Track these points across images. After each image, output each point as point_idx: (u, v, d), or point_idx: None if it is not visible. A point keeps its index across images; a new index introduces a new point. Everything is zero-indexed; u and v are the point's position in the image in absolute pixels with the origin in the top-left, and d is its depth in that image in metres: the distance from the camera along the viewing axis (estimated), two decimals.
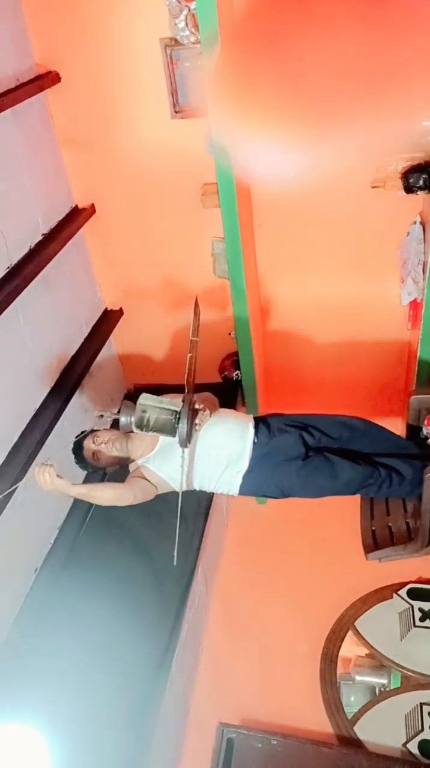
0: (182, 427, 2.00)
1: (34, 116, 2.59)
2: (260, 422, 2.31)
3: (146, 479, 2.18)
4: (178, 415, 2.03)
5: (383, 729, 2.43)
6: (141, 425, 2.04)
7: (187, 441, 2.02)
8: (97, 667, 2.25)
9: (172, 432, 2.03)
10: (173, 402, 2.07)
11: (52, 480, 1.98)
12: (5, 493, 2.13)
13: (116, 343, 3.44)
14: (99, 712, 2.14)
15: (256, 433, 2.25)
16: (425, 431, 2.46)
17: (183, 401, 2.06)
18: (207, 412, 2.12)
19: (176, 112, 2.57)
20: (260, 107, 0.32)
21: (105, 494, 2.12)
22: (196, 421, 2.07)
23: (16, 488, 2.17)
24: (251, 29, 0.32)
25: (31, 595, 2.56)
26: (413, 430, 2.52)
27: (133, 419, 2.04)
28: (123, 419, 2.09)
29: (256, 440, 2.23)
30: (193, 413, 2.07)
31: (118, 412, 2.14)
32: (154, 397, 2.10)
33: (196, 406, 2.08)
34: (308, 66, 0.30)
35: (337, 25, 0.29)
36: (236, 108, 0.33)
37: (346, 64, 0.29)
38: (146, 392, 2.14)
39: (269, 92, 0.31)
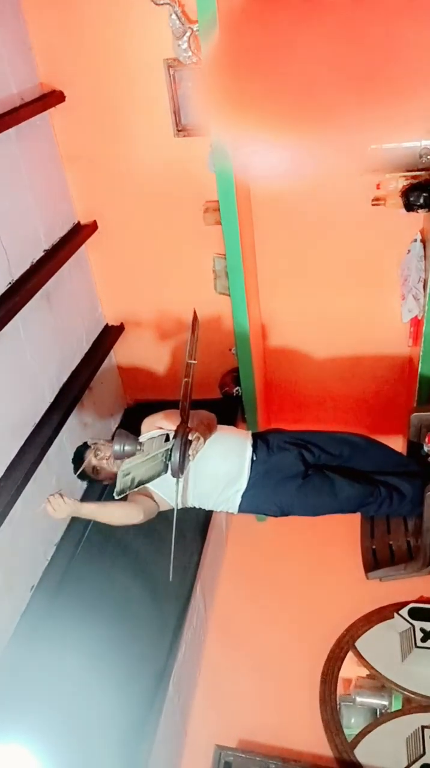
0: (174, 461, 1.98)
1: (38, 134, 2.62)
2: (259, 439, 2.30)
3: (149, 497, 2.16)
4: (169, 453, 2.01)
5: (384, 753, 2.38)
6: (124, 491, 1.98)
7: (179, 472, 2.01)
8: (93, 686, 2.22)
9: (164, 470, 2.02)
10: (164, 442, 2.05)
11: (67, 503, 1.98)
12: None
13: (117, 358, 3.44)
14: (94, 733, 2.10)
15: (254, 451, 2.23)
16: (426, 448, 2.45)
17: (176, 434, 2.04)
18: (201, 440, 2.08)
19: (179, 130, 2.60)
20: (253, 104, 0.32)
21: (115, 512, 2.11)
22: (190, 451, 2.04)
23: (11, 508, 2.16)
24: (244, 26, 0.32)
25: (28, 613, 2.53)
26: (414, 447, 2.51)
27: (120, 464, 1.97)
28: (116, 447, 2.07)
29: (254, 458, 2.22)
30: (187, 444, 2.04)
31: (111, 440, 2.13)
32: (139, 456, 2.03)
33: (190, 437, 2.05)
34: (303, 63, 0.30)
35: (332, 21, 0.29)
36: (230, 105, 0.33)
37: (341, 59, 0.29)
38: (145, 416, 2.10)
39: (263, 89, 0.31)
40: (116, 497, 2.01)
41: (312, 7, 0.30)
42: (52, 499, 1.98)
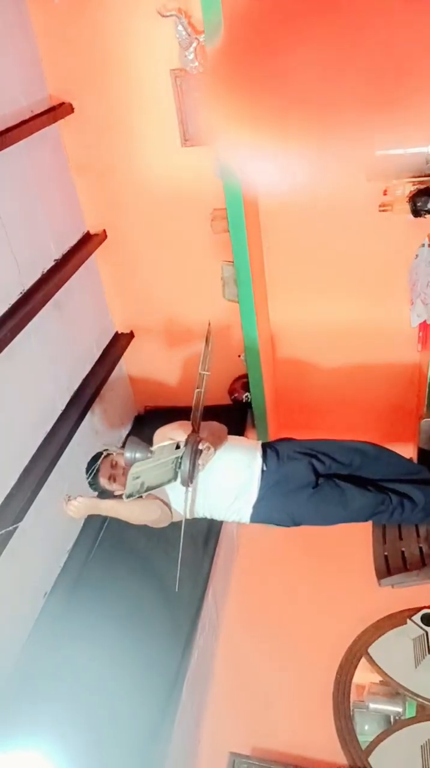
0: (184, 469, 1.99)
1: (47, 145, 2.65)
2: (269, 449, 2.30)
3: (165, 504, 2.18)
4: (179, 460, 2.02)
5: (399, 760, 2.37)
6: (132, 495, 1.98)
7: (189, 481, 2.02)
8: (107, 693, 2.23)
9: (173, 478, 2.03)
10: (174, 450, 2.06)
11: (84, 503, 2.01)
12: (6, 531, 2.14)
13: (127, 366, 3.46)
14: (108, 740, 2.11)
15: (265, 461, 2.23)
16: None
17: (187, 442, 2.05)
18: (211, 450, 2.10)
19: (186, 140, 2.62)
20: (257, 113, 0.32)
21: (135, 508, 2.13)
22: (200, 461, 2.05)
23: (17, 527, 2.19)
24: (247, 34, 0.33)
25: (41, 619, 2.55)
26: (425, 454, 2.50)
27: (130, 481, 1.96)
28: (128, 455, 2.09)
29: (265, 469, 2.22)
30: (197, 453, 2.05)
31: (123, 446, 2.14)
32: (149, 461, 2.05)
33: (200, 447, 2.06)
34: (307, 70, 0.30)
35: (336, 28, 0.29)
36: (233, 114, 0.33)
37: (345, 65, 0.30)
38: (158, 426, 2.11)
39: (266, 97, 0.31)
40: (125, 500, 2.03)
41: (316, 14, 0.30)
42: (72, 503, 2.00)
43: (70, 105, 2.66)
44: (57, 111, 2.60)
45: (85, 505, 2.02)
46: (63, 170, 2.80)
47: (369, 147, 0.33)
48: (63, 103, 2.65)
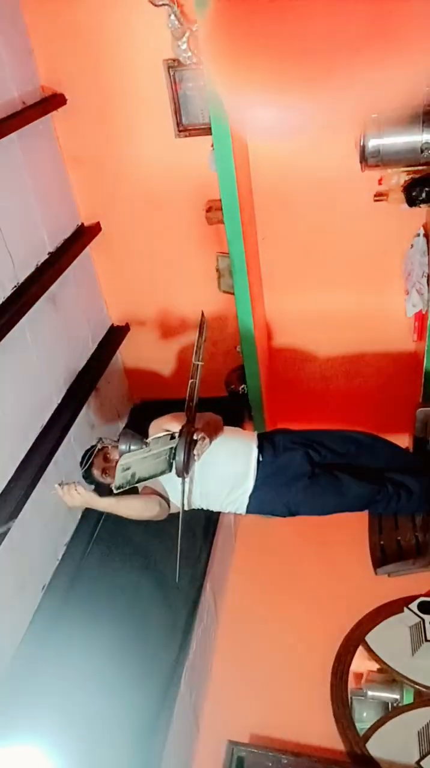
0: (178, 460, 1.99)
1: (40, 137, 2.63)
2: (265, 440, 2.30)
3: (163, 497, 2.19)
4: (173, 451, 2.02)
5: (396, 746, 2.39)
6: (122, 486, 1.99)
7: (184, 472, 2.02)
8: (105, 685, 2.24)
9: (167, 469, 2.03)
10: (169, 440, 2.06)
11: (83, 494, 2.00)
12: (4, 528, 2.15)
13: (123, 359, 3.46)
14: (108, 731, 2.13)
15: (261, 452, 2.24)
16: None
17: (181, 432, 2.05)
18: (206, 441, 2.10)
19: (180, 131, 2.61)
20: (254, 60, 0.32)
21: (132, 504, 2.13)
22: (195, 452, 2.05)
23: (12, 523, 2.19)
24: None
25: (40, 612, 2.56)
26: (420, 443, 2.51)
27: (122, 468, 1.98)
28: (122, 447, 2.09)
29: (261, 459, 2.23)
30: (192, 444, 2.05)
31: (118, 440, 2.14)
32: (140, 451, 2.04)
33: (195, 437, 2.06)
34: (303, 18, 0.30)
35: None
36: (230, 60, 0.33)
37: (340, 16, 0.29)
38: (153, 417, 2.11)
39: (263, 44, 0.31)
40: (115, 491, 2.03)
41: None
42: (66, 488, 2.00)
43: (63, 96, 2.64)
44: (49, 102, 2.58)
45: (81, 495, 2.02)
46: (56, 162, 2.78)
47: (361, 100, 0.32)
48: (55, 94, 2.63)
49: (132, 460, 2.00)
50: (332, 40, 0.30)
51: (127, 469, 1.99)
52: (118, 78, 2.58)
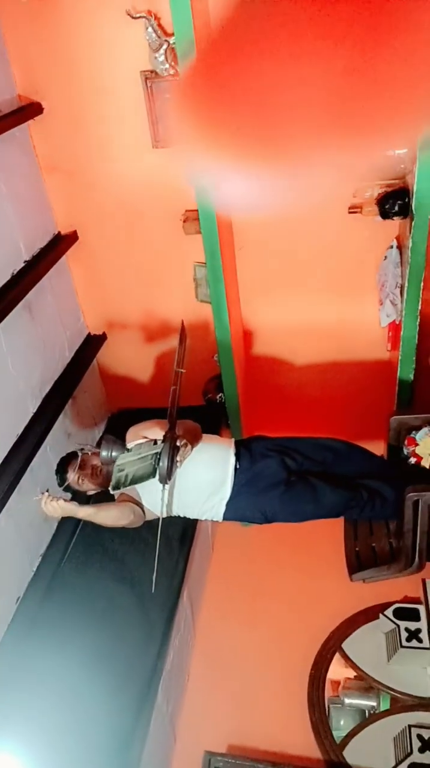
0: (163, 466, 2.00)
1: (16, 145, 2.63)
2: (242, 447, 2.32)
3: (137, 504, 2.18)
4: (158, 456, 2.03)
5: (372, 753, 2.41)
6: (119, 485, 2.01)
7: (167, 478, 2.03)
8: (81, 696, 2.22)
9: (152, 474, 2.04)
10: (153, 446, 2.07)
11: (62, 506, 1.99)
12: None
13: (100, 368, 3.45)
14: (83, 741, 2.10)
15: (238, 459, 2.25)
16: (405, 451, 2.49)
17: (164, 438, 2.06)
18: (188, 447, 2.11)
19: (157, 141, 2.63)
20: (227, 134, 0.32)
21: (110, 512, 2.13)
22: (178, 458, 2.07)
23: None
24: (217, 51, 0.32)
25: (14, 625, 2.51)
26: (394, 450, 2.55)
27: (112, 474, 2.01)
28: (104, 453, 2.09)
29: (238, 466, 2.24)
30: (175, 450, 2.07)
31: (99, 445, 2.14)
32: (131, 454, 2.07)
33: (178, 443, 2.08)
34: (278, 91, 0.30)
35: (310, 47, 0.29)
36: (203, 135, 0.33)
37: (318, 89, 0.29)
38: (131, 424, 2.12)
39: (237, 118, 0.31)
40: (111, 491, 2.03)
41: (293, 30, 0.30)
42: (48, 502, 1.99)
43: (40, 105, 2.64)
44: (26, 111, 2.58)
45: (63, 507, 2.01)
46: (33, 170, 2.78)
47: (345, 173, 0.33)
48: (32, 102, 2.63)
49: (126, 461, 2.02)
50: (311, 109, 0.30)
51: (122, 470, 2.01)
52: (96, 88, 2.59)
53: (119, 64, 2.52)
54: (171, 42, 2.35)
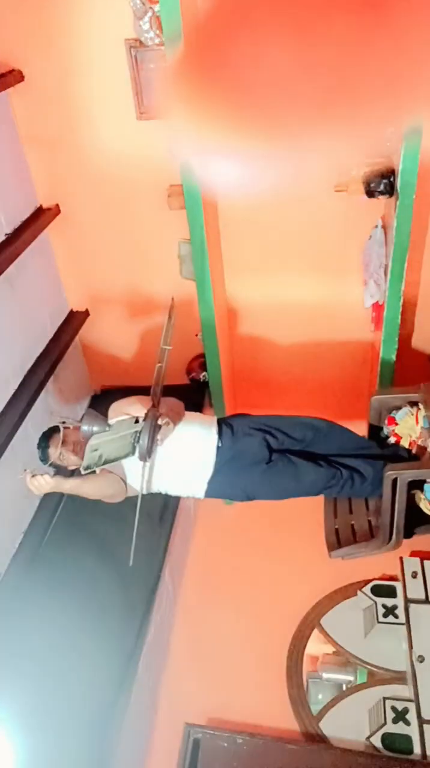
0: (142, 444, 1.99)
1: None
2: (224, 425, 2.32)
3: (120, 479, 2.18)
4: (138, 434, 2.02)
5: (348, 724, 2.47)
6: (90, 466, 1.99)
7: (147, 456, 2.02)
8: (63, 669, 2.24)
9: (131, 452, 2.02)
10: (133, 423, 2.06)
11: (48, 481, 1.98)
12: None
13: (83, 345, 3.41)
14: (64, 713, 2.13)
15: (220, 437, 2.25)
16: (385, 431, 2.51)
17: (146, 416, 2.04)
18: (170, 425, 2.10)
19: (142, 113, 2.57)
20: (217, 114, 0.31)
21: (95, 483, 2.12)
22: (159, 436, 2.06)
23: None
24: (208, 32, 0.31)
25: None
26: (375, 429, 2.57)
27: (86, 450, 1.98)
28: (85, 428, 2.07)
29: (220, 444, 2.24)
30: (156, 428, 2.05)
31: (81, 420, 2.12)
32: (107, 433, 2.04)
33: (160, 421, 2.06)
34: (269, 72, 0.30)
35: (304, 27, 0.29)
36: (192, 115, 0.32)
37: (309, 70, 0.29)
38: (112, 402, 2.09)
39: (227, 99, 0.31)
40: (83, 472, 2.01)
41: (286, 11, 0.29)
42: (35, 479, 1.97)
43: (20, 72, 2.57)
44: (6, 79, 2.50)
45: (48, 483, 1.99)
46: (13, 141, 2.71)
47: (332, 156, 0.32)
48: (12, 70, 2.55)
49: (101, 441, 2.00)
50: (301, 90, 0.30)
51: (96, 450, 1.99)
52: (79, 56, 2.52)
53: (103, 31, 2.45)
54: (156, 9, 2.29)
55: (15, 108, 2.67)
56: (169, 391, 2.35)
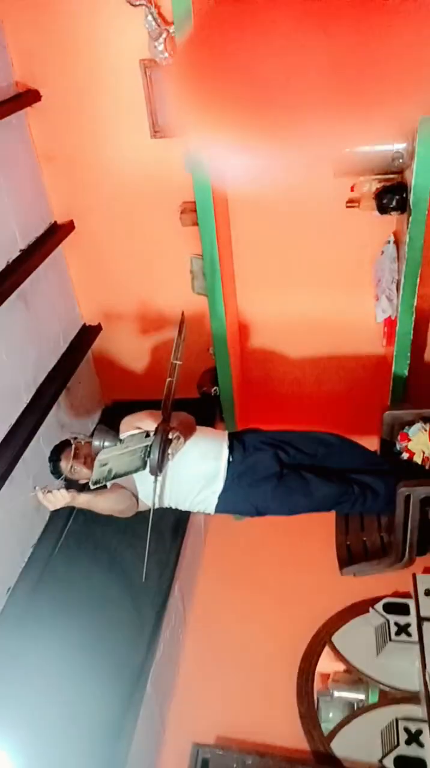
0: (153, 458, 1.99)
1: (13, 133, 2.60)
2: (235, 440, 2.31)
3: (131, 493, 2.18)
4: (149, 449, 2.02)
5: (360, 745, 2.42)
6: (100, 481, 1.99)
7: (158, 470, 2.02)
8: (71, 686, 2.22)
9: (142, 467, 2.03)
10: (144, 438, 2.07)
11: (62, 495, 1.98)
12: None
13: (95, 359, 3.43)
14: (73, 733, 2.11)
15: (231, 452, 2.25)
16: (398, 447, 2.50)
17: (157, 431, 2.05)
18: (181, 440, 2.11)
19: (156, 132, 2.61)
20: (220, 109, 0.32)
21: (108, 498, 2.13)
22: (170, 450, 2.06)
23: None
24: (216, 28, 0.32)
25: (4, 615, 2.52)
26: (387, 445, 2.55)
27: (96, 466, 2.00)
28: (96, 443, 2.08)
29: (231, 459, 2.24)
30: (167, 442, 2.06)
31: (92, 435, 2.13)
32: (117, 448, 2.05)
33: (170, 436, 2.07)
34: (269, 68, 0.30)
35: (300, 28, 0.29)
36: (201, 106, 0.33)
37: (309, 63, 0.30)
38: (124, 415, 2.10)
39: (230, 94, 0.31)
40: (92, 486, 2.01)
41: (282, 10, 0.30)
42: (49, 495, 1.98)
43: (37, 92, 2.62)
44: (23, 98, 2.55)
45: (64, 497, 2.00)
46: (30, 159, 2.76)
47: (335, 143, 0.33)
48: (29, 90, 2.61)
49: (110, 456, 2.01)
50: (301, 83, 0.30)
51: (105, 464, 1.99)
52: (94, 76, 2.57)
53: (118, 52, 2.49)
54: (171, 31, 2.34)
55: (32, 126, 2.72)
56: (181, 405, 2.35)
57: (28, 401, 2.71)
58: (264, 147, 0.33)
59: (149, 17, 2.33)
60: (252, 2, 0.31)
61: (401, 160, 2.40)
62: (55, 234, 2.86)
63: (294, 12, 0.30)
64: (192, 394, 3.24)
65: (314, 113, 0.31)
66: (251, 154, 0.34)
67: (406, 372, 2.72)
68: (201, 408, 3.03)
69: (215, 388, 3.12)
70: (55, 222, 2.94)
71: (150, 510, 2.14)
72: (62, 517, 2.85)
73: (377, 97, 0.31)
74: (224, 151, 0.35)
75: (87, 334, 3.24)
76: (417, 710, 2.46)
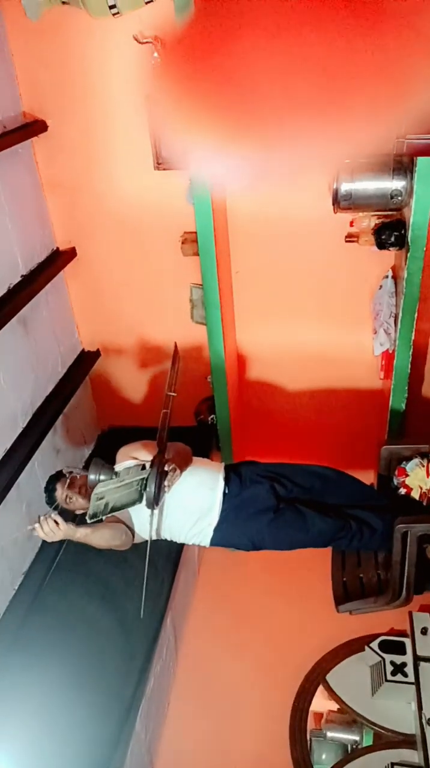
0: (149, 491, 1.97)
1: (19, 162, 2.64)
2: (232, 472, 2.30)
3: (127, 526, 2.15)
4: (145, 481, 2.01)
5: None
6: (96, 515, 1.97)
7: (154, 504, 2.00)
8: (58, 721, 2.16)
9: (138, 500, 2.01)
10: (140, 470, 2.05)
11: (61, 527, 1.96)
12: None
13: (92, 385, 3.43)
14: (60, 766, 2.04)
15: (227, 484, 2.23)
16: (395, 482, 2.48)
17: (152, 463, 2.03)
18: (177, 472, 2.09)
19: (159, 163, 2.65)
20: (203, 113, 0.32)
21: (104, 533, 2.09)
22: (166, 483, 2.04)
23: None
24: (193, 33, 0.32)
25: None
26: (384, 480, 2.54)
27: (93, 499, 1.98)
28: (92, 477, 2.06)
29: (227, 491, 2.22)
30: (163, 474, 2.04)
31: (85, 468, 2.12)
32: (113, 481, 2.03)
33: (166, 468, 2.05)
34: (256, 71, 0.30)
35: (290, 31, 0.29)
36: (179, 113, 0.33)
37: (296, 70, 0.29)
38: (121, 445, 2.09)
39: (212, 97, 0.31)
40: (88, 521, 1.99)
41: (265, 22, 0.30)
42: (44, 524, 1.94)
43: (44, 122, 2.67)
44: (30, 128, 2.60)
45: (61, 529, 1.96)
46: (35, 187, 2.79)
47: (328, 152, 0.33)
48: (37, 120, 2.66)
49: (106, 489, 1.98)
50: (296, 87, 0.30)
51: (101, 498, 1.97)
52: (101, 109, 2.62)
53: (124, 85, 2.55)
54: None
55: (38, 155, 2.76)
56: (178, 433, 2.34)
57: (24, 426, 2.69)
58: (254, 154, 0.33)
59: (156, 54, 2.39)
60: (240, 8, 0.31)
61: (400, 198, 2.44)
62: (56, 260, 2.89)
63: (282, 19, 0.30)
64: (189, 421, 3.23)
65: (304, 121, 0.31)
66: (240, 159, 0.34)
67: (403, 406, 2.72)
68: (198, 436, 3.02)
69: (212, 416, 3.11)
70: (58, 248, 2.97)
71: (146, 541, 2.10)
72: (54, 544, 2.80)
73: (367, 106, 0.31)
74: (214, 157, 0.34)
75: (86, 360, 3.24)
76: (412, 755, 2.39)
